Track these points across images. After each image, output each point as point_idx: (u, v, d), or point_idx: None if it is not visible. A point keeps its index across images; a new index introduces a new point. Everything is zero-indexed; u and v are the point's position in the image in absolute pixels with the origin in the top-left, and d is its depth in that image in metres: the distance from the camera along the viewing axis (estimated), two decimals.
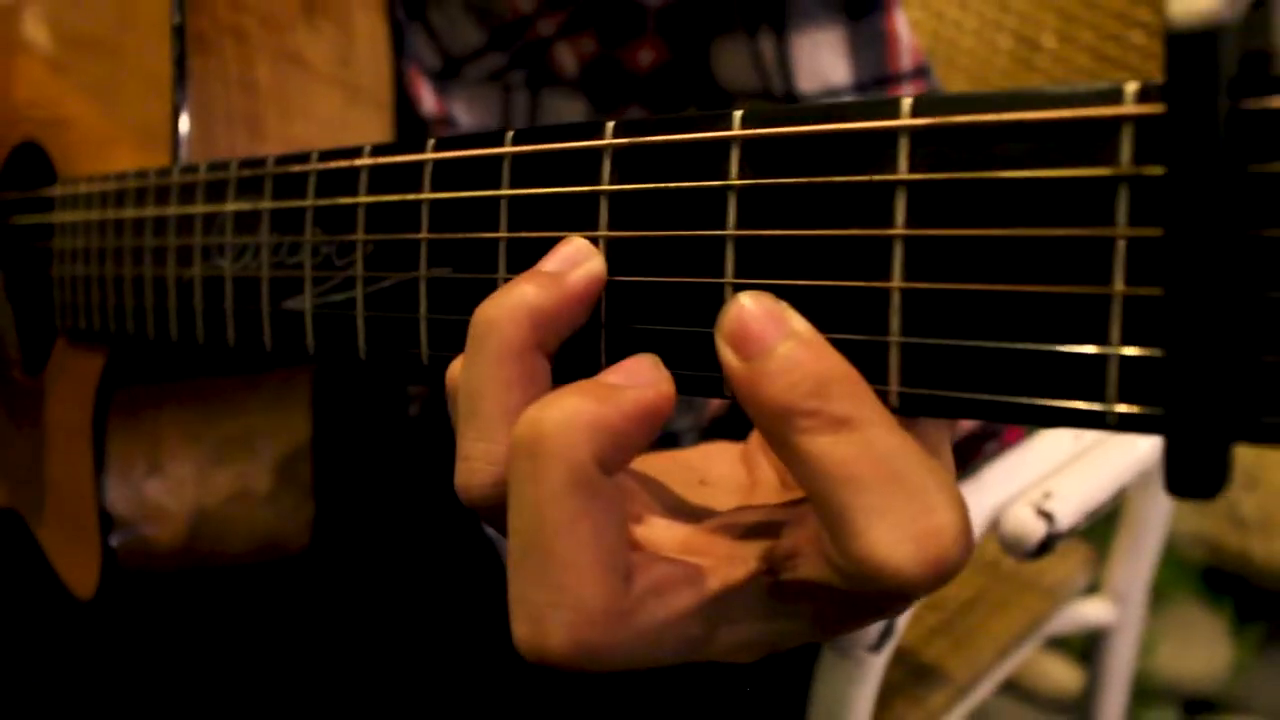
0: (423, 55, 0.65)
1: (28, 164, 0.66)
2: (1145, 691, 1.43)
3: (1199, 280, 0.20)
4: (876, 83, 0.60)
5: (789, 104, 0.62)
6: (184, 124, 0.52)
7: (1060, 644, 1.31)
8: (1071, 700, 1.01)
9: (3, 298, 0.71)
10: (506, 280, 0.33)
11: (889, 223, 0.25)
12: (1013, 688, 1.28)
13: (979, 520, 0.58)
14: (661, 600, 0.27)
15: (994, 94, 0.24)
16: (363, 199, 0.38)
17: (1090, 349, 0.22)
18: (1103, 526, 1.01)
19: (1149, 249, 0.22)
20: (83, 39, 0.61)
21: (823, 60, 0.59)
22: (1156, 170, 0.21)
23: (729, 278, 0.28)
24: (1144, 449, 0.69)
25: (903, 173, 0.25)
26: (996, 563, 0.93)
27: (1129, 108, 0.22)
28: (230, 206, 0.44)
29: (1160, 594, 1.50)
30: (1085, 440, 0.64)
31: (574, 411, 0.26)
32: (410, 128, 0.63)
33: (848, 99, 0.56)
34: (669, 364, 0.29)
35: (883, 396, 0.25)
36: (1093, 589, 0.95)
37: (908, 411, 0.25)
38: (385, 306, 0.37)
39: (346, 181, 0.38)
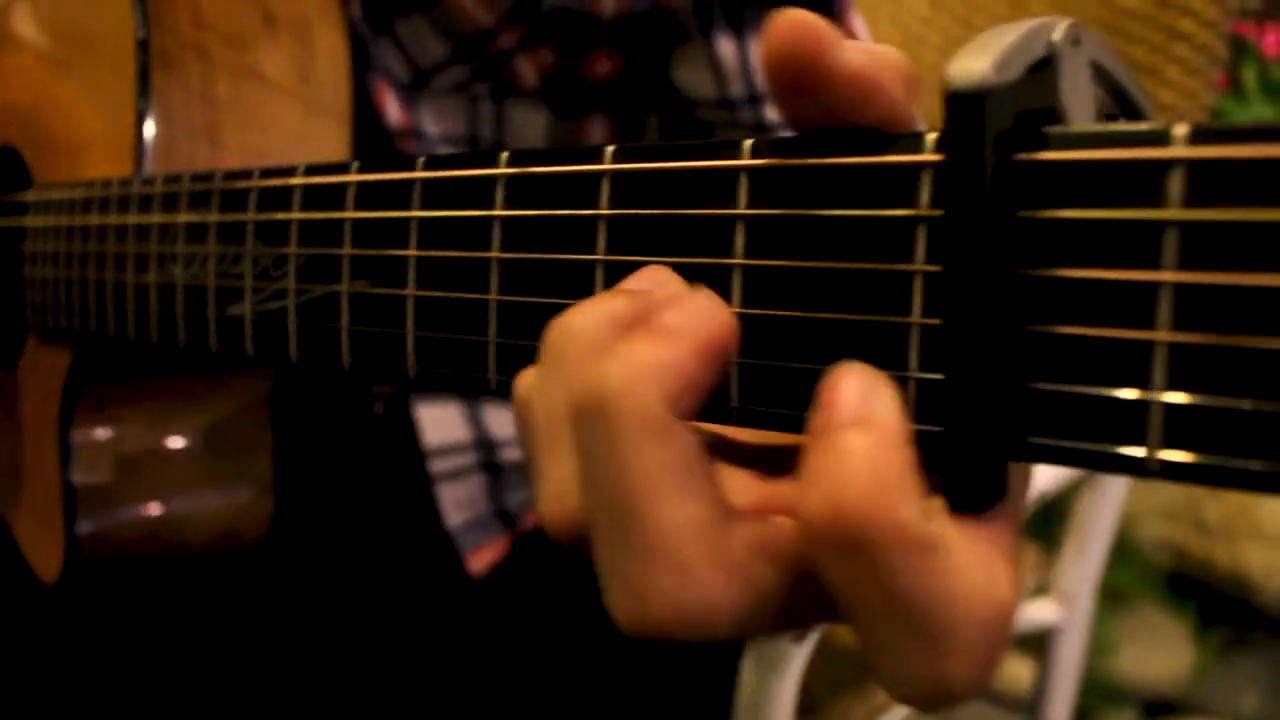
0: (391, 68, 0.68)
1: (4, 168, 0.69)
2: (1108, 692, 1.46)
3: (970, 313, 0.23)
4: None
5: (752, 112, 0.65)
6: (148, 134, 0.55)
7: (1019, 643, 1.34)
8: (1027, 698, 1.04)
9: None
10: (419, 295, 0.36)
11: (729, 252, 0.28)
12: None
13: None
14: (767, 557, 0.24)
15: (824, 134, 0.27)
16: (295, 215, 0.41)
17: (894, 372, 0.25)
18: (1051, 528, 1.04)
19: (938, 284, 0.25)
20: (56, 51, 0.64)
21: None
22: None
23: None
24: None
25: (742, 207, 0.27)
26: None
27: (927, 155, 0.25)
28: (182, 218, 0.48)
29: (1124, 597, 1.53)
30: None
31: (636, 359, 0.24)
32: (373, 140, 0.66)
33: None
34: None
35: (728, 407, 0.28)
36: (1041, 590, 0.98)
37: (743, 423, 0.28)
38: (313, 316, 0.40)
39: (282, 198, 0.41)
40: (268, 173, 0.42)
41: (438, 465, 0.72)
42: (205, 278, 0.46)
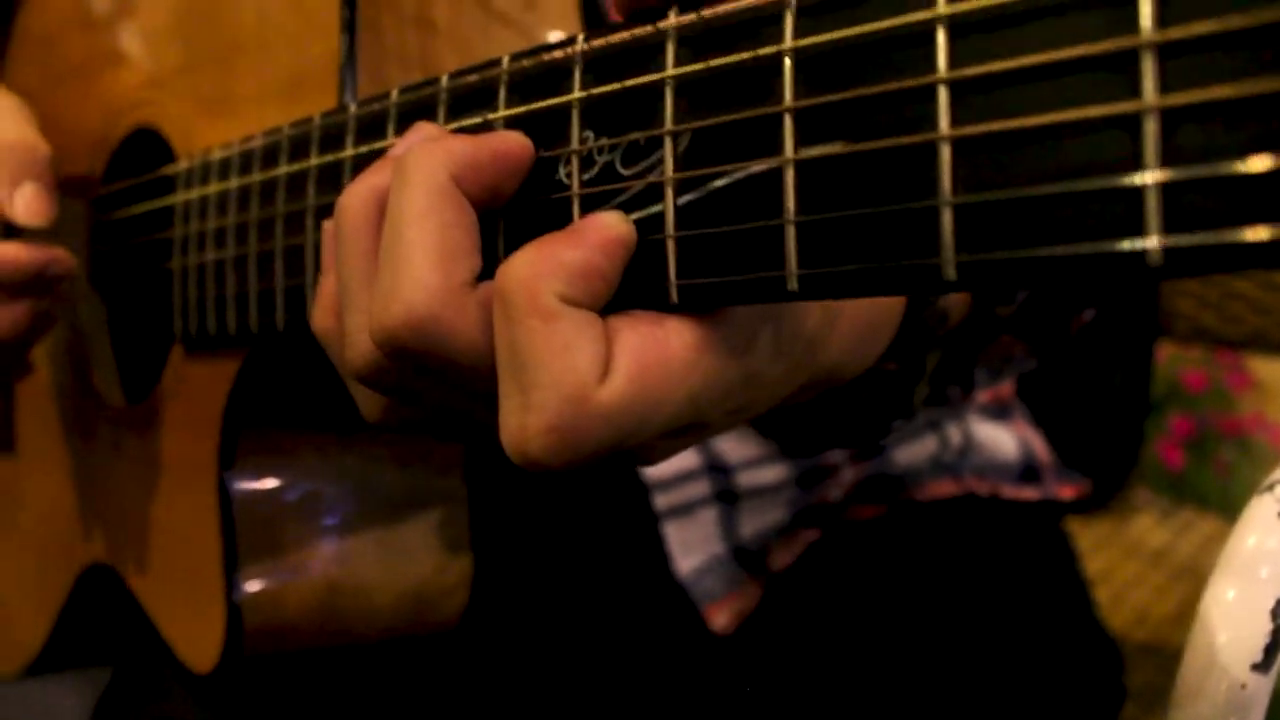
0: None
1: (140, 152, 0.56)
2: None
3: None
4: None
5: None
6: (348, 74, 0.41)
7: None
8: None
9: (97, 313, 0.60)
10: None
11: None
12: None
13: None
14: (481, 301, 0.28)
15: None
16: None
17: None
18: None
19: None
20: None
21: None
22: None
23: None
24: None
25: None
26: None
27: None
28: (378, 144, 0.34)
29: None
30: None
31: (435, 139, 0.30)
32: None
33: None
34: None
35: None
36: None
37: None
38: (696, 220, 0.25)
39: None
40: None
41: (663, 500, 0.57)
42: None
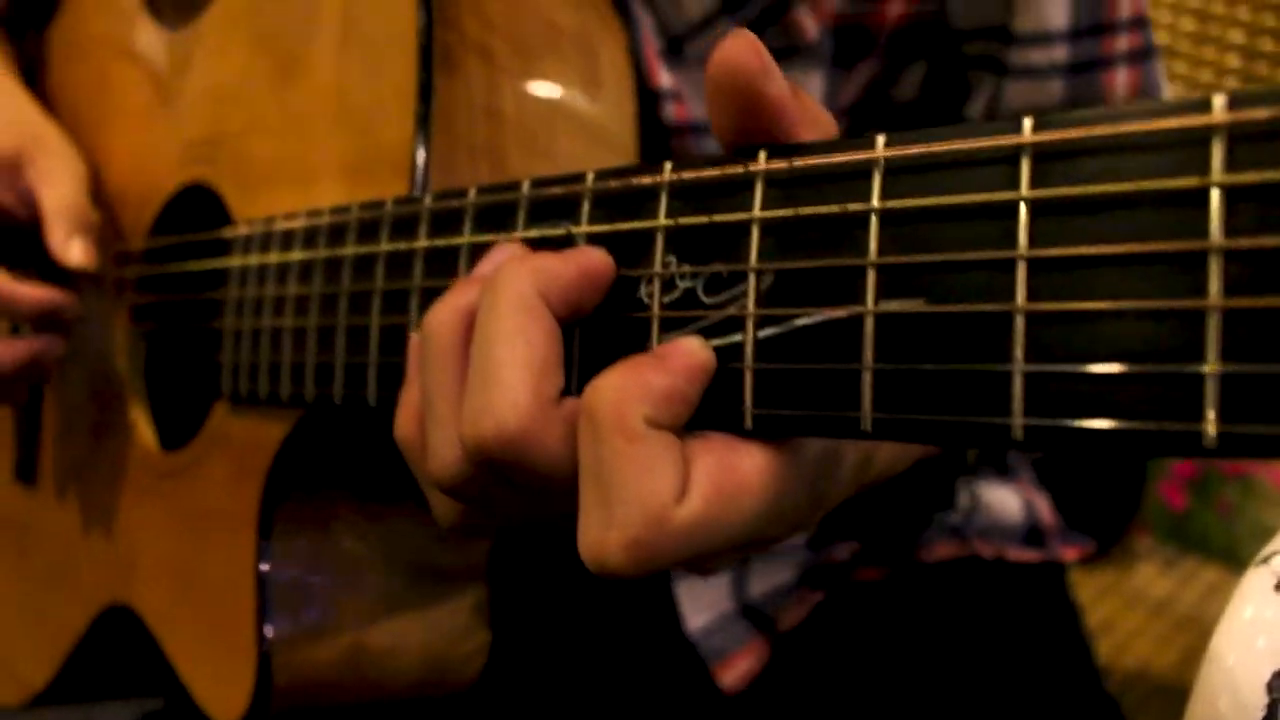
0: (644, 34, 0.57)
1: (192, 207, 0.58)
2: None
3: None
4: (1092, 30, 0.54)
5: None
6: (421, 155, 0.43)
7: None
8: None
9: (135, 358, 0.61)
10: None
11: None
12: None
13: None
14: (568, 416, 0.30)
15: None
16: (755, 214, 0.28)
17: None
18: None
19: None
20: (280, 63, 0.53)
21: (1046, 2, 0.54)
22: None
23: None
24: None
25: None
26: None
27: None
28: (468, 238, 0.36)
29: None
30: None
31: (522, 258, 0.31)
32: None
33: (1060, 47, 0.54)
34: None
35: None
36: None
37: None
38: (775, 355, 0.27)
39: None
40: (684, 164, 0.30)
41: None
42: None
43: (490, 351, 0.29)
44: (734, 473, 0.27)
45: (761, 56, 0.27)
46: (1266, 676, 0.48)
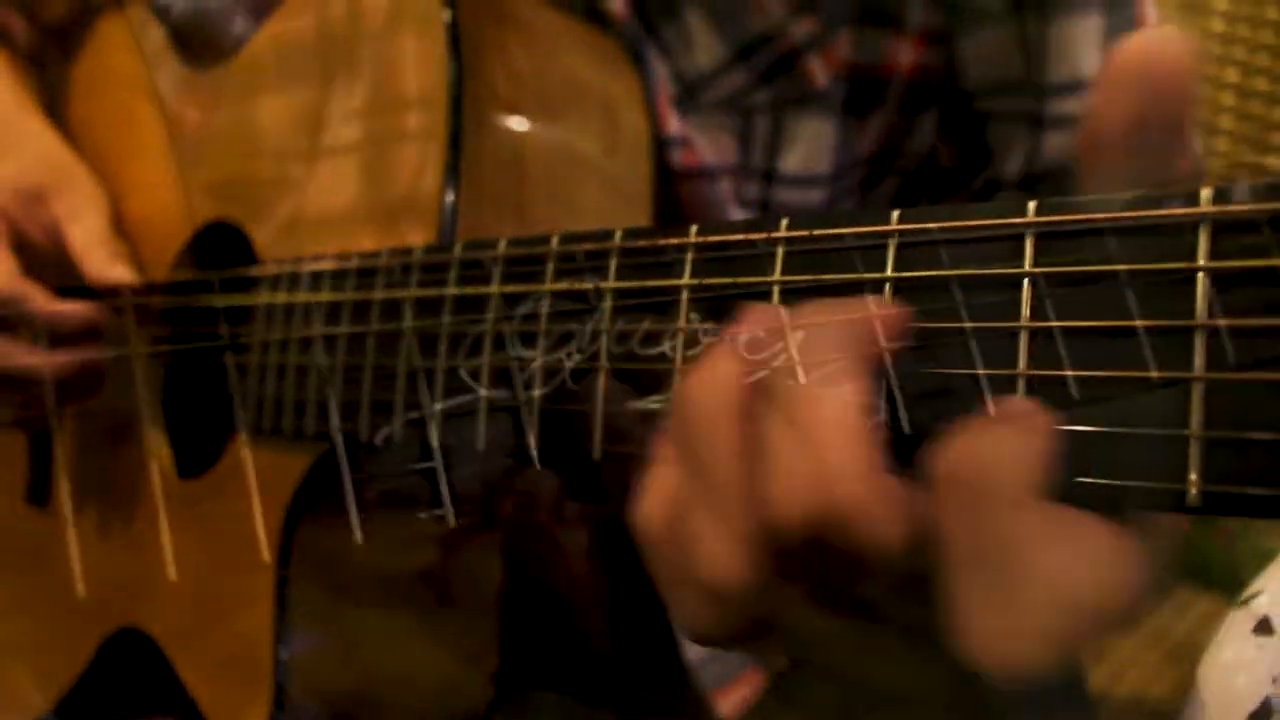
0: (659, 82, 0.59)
1: (218, 243, 0.60)
2: None
3: None
4: None
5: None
6: (450, 199, 0.46)
7: None
8: None
9: (153, 386, 0.63)
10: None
11: None
12: None
13: None
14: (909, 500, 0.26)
15: None
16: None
17: None
18: None
19: None
20: (309, 109, 0.55)
21: (1078, 49, 0.54)
22: None
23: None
24: None
25: None
26: None
27: None
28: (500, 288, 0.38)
29: None
30: None
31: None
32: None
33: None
34: None
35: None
36: None
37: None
38: None
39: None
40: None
41: None
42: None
43: (806, 416, 0.26)
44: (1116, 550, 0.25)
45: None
46: (1244, 715, 0.50)
